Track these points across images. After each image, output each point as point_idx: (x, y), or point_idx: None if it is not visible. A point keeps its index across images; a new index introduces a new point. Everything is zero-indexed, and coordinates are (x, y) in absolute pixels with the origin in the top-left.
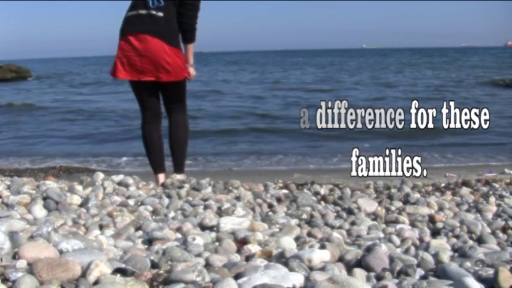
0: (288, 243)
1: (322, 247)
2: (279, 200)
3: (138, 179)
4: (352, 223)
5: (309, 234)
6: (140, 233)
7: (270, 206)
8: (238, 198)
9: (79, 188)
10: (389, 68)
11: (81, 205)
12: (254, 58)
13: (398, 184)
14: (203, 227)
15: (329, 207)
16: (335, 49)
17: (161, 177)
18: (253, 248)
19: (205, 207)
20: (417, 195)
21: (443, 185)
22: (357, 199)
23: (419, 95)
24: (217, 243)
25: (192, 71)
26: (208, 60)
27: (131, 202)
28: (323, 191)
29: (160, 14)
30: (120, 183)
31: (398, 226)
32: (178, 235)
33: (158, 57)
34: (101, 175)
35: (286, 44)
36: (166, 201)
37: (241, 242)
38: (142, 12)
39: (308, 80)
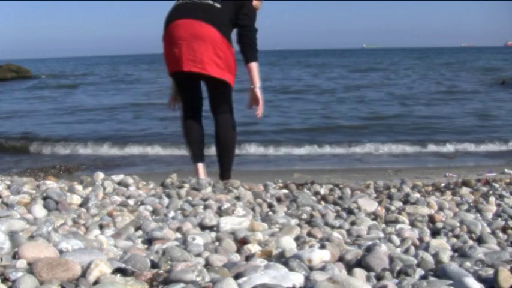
0: (288, 243)
1: (322, 247)
2: (279, 199)
3: (138, 178)
4: (352, 223)
5: (309, 234)
6: (140, 232)
7: (270, 205)
8: (238, 198)
9: (79, 187)
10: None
11: (81, 205)
12: None
13: (398, 184)
14: (203, 227)
15: (329, 207)
16: (334, 49)
17: (200, 167)
18: (253, 247)
19: (205, 207)
20: (417, 195)
21: (443, 185)
22: (357, 199)
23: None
24: (217, 243)
25: (258, 93)
26: None
27: (131, 202)
28: (323, 190)
29: (218, 5)
30: (120, 183)
31: (398, 226)
32: (178, 235)
33: (210, 46)
34: (100, 175)
35: (284, 44)
36: (166, 201)
37: (241, 242)
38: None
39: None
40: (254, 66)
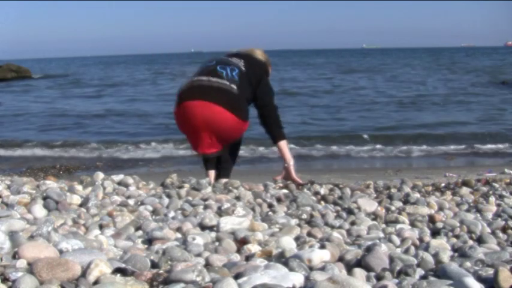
0: (288, 243)
1: (322, 247)
2: (279, 199)
3: (138, 178)
4: (352, 223)
5: (309, 234)
6: (140, 232)
7: (270, 205)
8: (238, 198)
9: (79, 187)
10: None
11: (81, 205)
12: None
13: (398, 184)
14: (203, 227)
15: (329, 207)
16: (335, 49)
17: (211, 173)
18: (253, 247)
19: (205, 207)
20: (417, 195)
21: (443, 185)
22: (357, 199)
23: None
24: (217, 243)
25: (292, 171)
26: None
27: (131, 202)
28: (323, 190)
29: (234, 87)
30: (120, 183)
31: (398, 226)
32: (178, 235)
33: (228, 132)
34: (100, 175)
35: (284, 44)
36: (166, 201)
37: (241, 242)
38: (214, 80)
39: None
40: (284, 144)
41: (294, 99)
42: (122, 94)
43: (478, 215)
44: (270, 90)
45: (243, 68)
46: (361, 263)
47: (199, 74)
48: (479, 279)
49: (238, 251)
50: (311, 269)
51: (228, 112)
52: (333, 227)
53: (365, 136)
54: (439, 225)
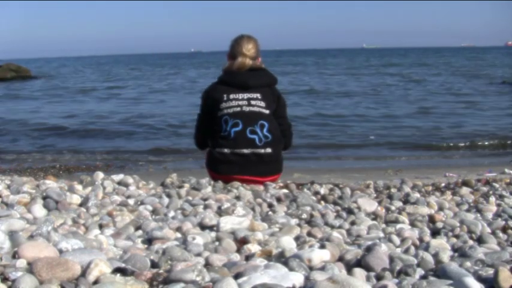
0: (288, 242)
1: (322, 247)
2: (279, 199)
3: (138, 178)
4: (352, 223)
5: (309, 234)
6: (140, 232)
7: (270, 205)
8: (238, 197)
9: (79, 187)
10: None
11: (81, 204)
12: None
13: (398, 184)
14: (203, 227)
15: (329, 206)
16: (335, 48)
17: None
18: (253, 247)
19: (205, 207)
20: (417, 195)
21: (443, 184)
22: (357, 199)
23: None
24: (217, 243)
25: None
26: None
27: (131, 201)
28: (323, 190)
29: (269, 150)
30: (120, 183)
31: (398, 226)
32: (178, 235)
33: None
34: (100, 174)
35: (283, 43)
36: (166, 200)
37: (241, 242)
38: (247, 151)
39: None
40: None
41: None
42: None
43: (478, 215)
44: (285, 107)
45: (263, 105)
46: (361, 263)
47: (231, 146)
48: (479, 279)
49: (238, 250)
50: (311, 268)
51: (270, 177)
52: (332, 227)
53: (371, 137)
54: (439, 225)
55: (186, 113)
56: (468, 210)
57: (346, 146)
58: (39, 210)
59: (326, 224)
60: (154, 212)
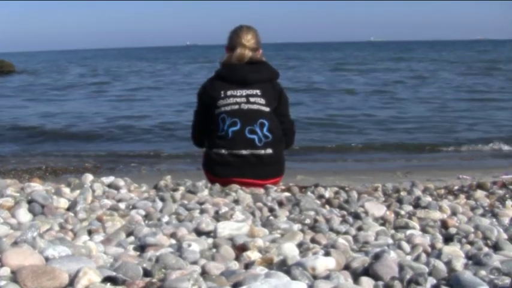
0: (290, 249)
1: (327, 254)
2: (280, 203)
3: (130, 180)
4: (359, 228)
5: (313, 240)
6: (132, 238)
7: (271, 210)
8: (236, 201)
9: (66, 190)
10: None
11: (68, 209)
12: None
13: (408, 187)
14: (199, 233)
15: (334, 211)
16: (340, 42)
17: None
18: (253, 255)
19: (202, 212)
20: (428, 198)
21: (456, 187)
22: (364, 203)
23: None
24: (214, 250)
25: None
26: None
27: (122, 206)
28: (328, 194)
29: (270, 150)
30: (110, 186)
31: (409, 232)
32: (173, 241)
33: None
34: (89, 177)
35: (284, 36)
36: (159, 204)
37: (240, 249)
38: (246, 152)
39: None
40: None
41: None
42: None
43: (494, 220)
44: (288, 104)
45: (263, 102)
46: (368, 271)
47: (229, 146)
48: None
49: (237, 258)
50: (315, 277)
51: (271, 180)
52: (338, 233)
53: (380, 137)
54: (452, 230)
55: (180, 112)
56: (483, 215)
57: (353, 146)
58: (23, 214)
59: (331, 229)
60: (147, 216)
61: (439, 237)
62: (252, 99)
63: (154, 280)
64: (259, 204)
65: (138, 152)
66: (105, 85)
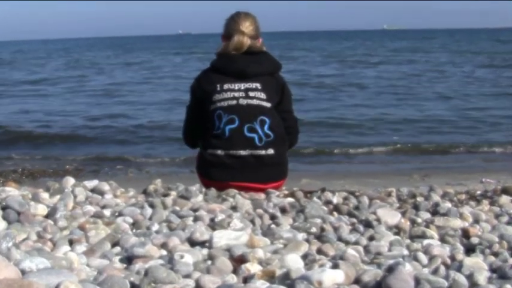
0: (294, 261)
1: (335, 266)
2: (283, 210)
3: (115, 185)
4: (371, 238)
5: (319, 251)
6: (118, 249)
7: (273, 217)
8: (234, 208)
9: (45, 195)
10: None
11: (47, 216)
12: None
13: (425, 191)
14: (193, 243)
15: (343, 218)
16: (350, 30)
17: None
18: (253, 267)
19: (196, 219)
20: (448, 204)
21: (479, 192)
22: (376, 209)
23: None
24: (209, 262)
25: None
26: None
27: (107, 212)
28: (336, 199)
29: (272, 151)
30: (93, 190)
31: (426, 241)
32: (163, 252)
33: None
34: (70, 180)
35: (288, 24)
36: (149, 211)
37: (239, 261)
38: (244, 153)
39: None
40: None
41: None
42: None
43: None
44: (291, 99)
45: (264, 96)
46: (381, 286)
47: (226, 146)
48: None
49: (235, 271)
50: None
51: (272, 184)
52: (347, 243)
53: (395, 137)
54: (474, 240)
55: (171, 109)
56: (509, 223)
57: (364, 146)
58: None
59: (339, 239)
60: (134, 225)
61: (460, 247)
62: (251, 94)
63: None
64: (260, 211)
65: (125, 153)
66: (87, 79)
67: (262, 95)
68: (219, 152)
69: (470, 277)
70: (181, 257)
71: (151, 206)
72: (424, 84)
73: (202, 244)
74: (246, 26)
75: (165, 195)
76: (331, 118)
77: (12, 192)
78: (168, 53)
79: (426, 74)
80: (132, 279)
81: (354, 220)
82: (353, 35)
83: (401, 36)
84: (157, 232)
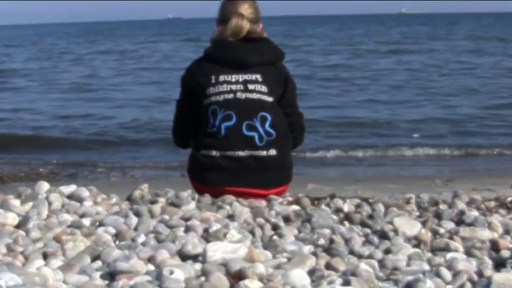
0: (300, 278)
1: (346, 283)
2: (287, 219)
3: (96, 190)
4: (387, 251)
5: (328, 266)
6: (99, 263)
7: (275, 227)
8: (231, 216)
9: (15, 202)
10: None
11: (18, 226)
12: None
13: (449, 198)
14: (184, 256)
15: (355, 229)
16: (364, 14)
17: None
18: (252, 284)
19: (187, 229)
20: (475, 213)
21: (510, 199)
22: (393, 218)
23: None
24: (203, 278)
25: None
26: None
27: (86, 222)
28: (347, 207)
29: (273, 152)
30: (71, 197)
31: (449, 255)
32: (151, 267)
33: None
34: (45, 185)
35: (292, 8)
36: (134, 220)
37: (236, 277)
38: (243, 154)
39: None
40: None
41: None
42: None
43: None
44: (295, 92)
45: (265, 90)
46: None
47: (222, 146)
48: None
49: None
50: None
51: (275, 189)
52: (360, 257)
53: (415, 135)
54: (505, 253)
55: (159, 105)
56: None
57: (378, 147)
58: None
59: (351, 252)
60: (118, 236)
61: (488, 262)
62: (250, 87)
63: None
64: (260, 220)
65: (106, 154)
66: (61, 70)
67: (263, 88)
68: (214, 153)
69: None
70: (171, 272)
71: (137, 214)
72: (446, 77)
73: (194, 258)
74: (245, 9)
75: (153, 202)
76: (340, 115)
77: None
78: (156, 40)
79: (449, 65)
80: None
81: (368, 231)
82: (366, 20)
83: (420, 22)
84: (143, 244)
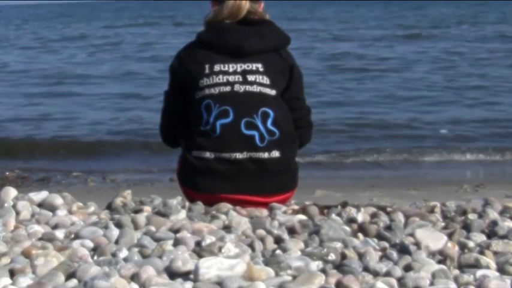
0: None
1: None
2: (291, 231)
3: (71, 197)
4: (407, 268)
5: (339, 285)
6: (74, 282)
7: (278, 240)
8: (228, 228)
9: None
10: None
11: None
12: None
13: (479, 206)
14: (173, 274)
15: (370, 242)
16: None
17: None
18: None
19: (177, 243)
20: (509, 223)
21: None
22: (415, 230)
23: None
24: None
25: None
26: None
27: (60, 234)
28: (361, 217)
29: (276, 153)
30: (42, 205)
31: (480, 272)
32: (134, 286)
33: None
34: (12, 192)
35: None
36: (115, 232)
37: None
38: (241, 156)
39: None
40: None
41: None
42: None
43: None
44: (302, 83)
45: (267, 81)
46: None
47: (217, 147)
48: None
49: None
50: None
51: (278, 196)
52: (376, 274)
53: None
54: None
55: (145, 100)
56: None
57: (397, 149)
58: None
59: (366, 269)
60: (96, 250)
61: None
62: (250, 78)
63: None
64: (261, 232)
65: (83, 156)
66: (23, 60)
67: (265, 79)
68: (208, 154)
69: None
70: None
71: (118, 225)
72: (473, 67)
73: (185, 276)
74: None
75: (137, 211)
76: (352, 112)
77: None
78: (135, 23)
79: (476, 54)
80: None
81: (385, 244)
82: (373, 1)
83: (442, 2)
84: (126, 260)
